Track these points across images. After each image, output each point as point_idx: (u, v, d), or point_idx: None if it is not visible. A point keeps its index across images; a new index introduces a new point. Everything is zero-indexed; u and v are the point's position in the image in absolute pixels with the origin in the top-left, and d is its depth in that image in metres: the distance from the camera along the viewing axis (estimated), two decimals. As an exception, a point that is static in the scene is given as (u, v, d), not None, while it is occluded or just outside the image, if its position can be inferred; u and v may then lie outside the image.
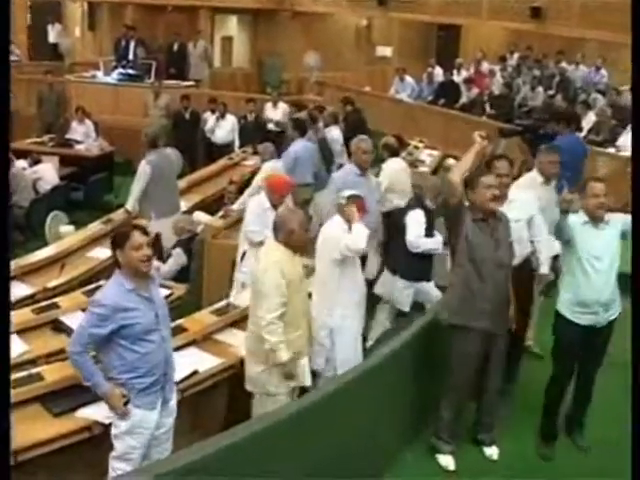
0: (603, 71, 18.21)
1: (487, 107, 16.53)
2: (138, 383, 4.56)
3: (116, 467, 4.67)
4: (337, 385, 4.99)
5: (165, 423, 4.81)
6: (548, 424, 5.92)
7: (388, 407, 5.48)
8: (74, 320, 6.16)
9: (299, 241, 5.62)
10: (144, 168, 8.94)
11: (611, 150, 13.49)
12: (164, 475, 3.69)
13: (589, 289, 5.47)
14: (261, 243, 6.40)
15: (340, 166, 11.19)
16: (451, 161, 9.33)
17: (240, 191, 9.51)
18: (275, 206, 7.22)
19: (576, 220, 5.45)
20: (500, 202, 5.62)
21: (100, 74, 16.90)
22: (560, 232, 5.48)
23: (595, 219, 5.45)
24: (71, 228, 9.80)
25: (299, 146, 9.88)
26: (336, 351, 6.06)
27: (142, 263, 4.54)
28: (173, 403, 4.87)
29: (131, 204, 9.07)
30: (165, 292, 4.95)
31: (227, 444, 4.04)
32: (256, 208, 7.39)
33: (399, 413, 5.69)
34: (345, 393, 4.94)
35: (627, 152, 13.00)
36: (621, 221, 5.47)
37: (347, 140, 11.76)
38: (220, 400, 5.94)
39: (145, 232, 4.71)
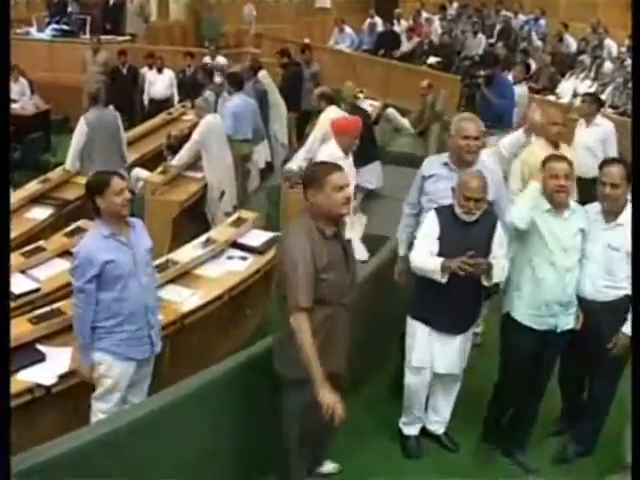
0: (542, 21, 18.29)
1: (431, 56, 16.45)
2: (119, 331, 4.69)
3: (96, 408, 4.81)
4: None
5: (144, 370, 4.95)
6: (490, 431, 5.50)
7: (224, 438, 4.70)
8: (11, 282, 6.06)
9: None
10: (80, 125, 8.89)
11: (550, 97, 13.60)
12: (26, 470, 3.57)
13: (551, 288, 4.87)
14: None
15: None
16: (391, 110, 9.24)
17: (179, 146, 9.37)
18: (347, 152, 7.04)
19: (536, 207, 4.85)
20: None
21: (33, 30, 16.47)
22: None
23: (556, 206, 4.86)
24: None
25: (236, 101, 9.70)
26: None
27: (123, 207, 4.70)
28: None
29: (69, 162, 9.02)
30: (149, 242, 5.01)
31: (90, 440, 3.92)
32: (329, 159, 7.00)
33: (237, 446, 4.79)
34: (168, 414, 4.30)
35: (566, 99, 13.19)
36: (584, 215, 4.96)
37: (286, 93, 11.66)
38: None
39: (122, 177, 4.90)
